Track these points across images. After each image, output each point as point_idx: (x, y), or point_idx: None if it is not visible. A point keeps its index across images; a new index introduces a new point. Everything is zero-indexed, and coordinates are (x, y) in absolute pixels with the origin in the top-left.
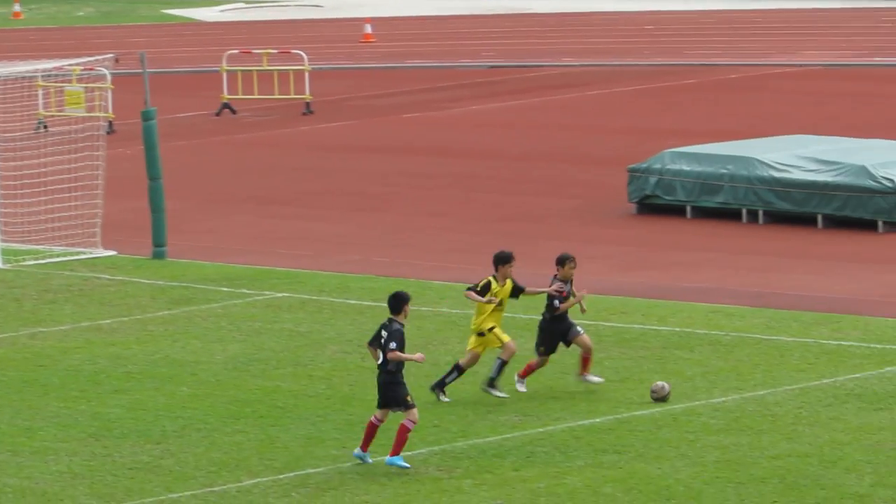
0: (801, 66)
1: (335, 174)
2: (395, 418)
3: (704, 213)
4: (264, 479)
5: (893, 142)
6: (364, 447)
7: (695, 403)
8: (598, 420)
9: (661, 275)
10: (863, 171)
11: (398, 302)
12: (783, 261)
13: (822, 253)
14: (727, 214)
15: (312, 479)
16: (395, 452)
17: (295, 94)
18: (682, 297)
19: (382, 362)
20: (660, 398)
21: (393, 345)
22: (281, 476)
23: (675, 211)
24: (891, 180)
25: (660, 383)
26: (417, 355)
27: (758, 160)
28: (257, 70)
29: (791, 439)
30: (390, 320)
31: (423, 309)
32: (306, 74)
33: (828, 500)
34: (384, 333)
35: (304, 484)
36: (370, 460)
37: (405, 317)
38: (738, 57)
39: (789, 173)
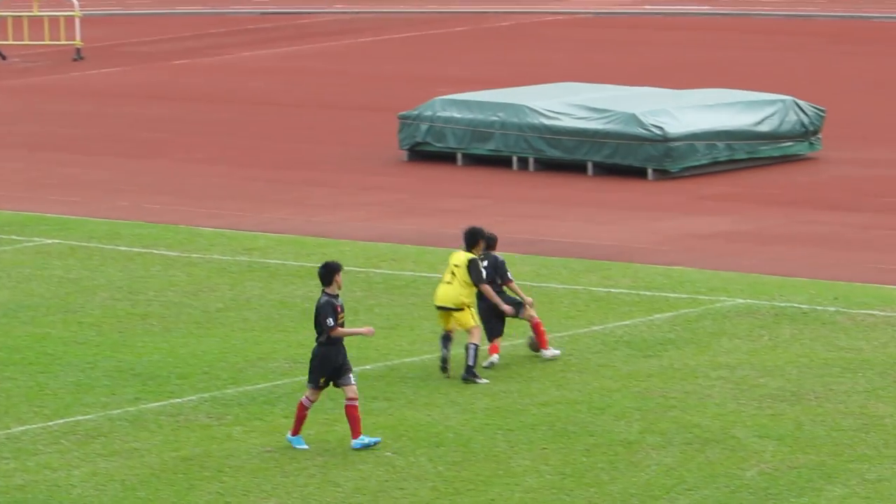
0: (570, 13)
1: (106, 120)
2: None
3: (475, 161)
4: (33, 426)
5: (662, 90)
6: (295, 431)
7: (459, 350)
8: (368, 367)
9: (433, 222)
10: (632, 118)
11: (328, 272)
12: (553, 208)
13: (592, 200)
14: (498, 162)
15: (82, 426)
16: (357, 434)
17: (66, 39)
18: (452, 244)
19: (326, 338)
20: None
21: (329, 321)
22: (50, 423)
23: (446, 158)
24: (660, 128)
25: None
26: (365, 328)
27: (528, 108)
28: (28, 15)
29: (560, 386)
30: (322, 292)
31: (194, 255)
32: (77, 20)
33: (597, 446)
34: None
35: (73, 431)
36: (305, 445)
37: (338, 288)
38: (508, 4)
39: (559, 121)
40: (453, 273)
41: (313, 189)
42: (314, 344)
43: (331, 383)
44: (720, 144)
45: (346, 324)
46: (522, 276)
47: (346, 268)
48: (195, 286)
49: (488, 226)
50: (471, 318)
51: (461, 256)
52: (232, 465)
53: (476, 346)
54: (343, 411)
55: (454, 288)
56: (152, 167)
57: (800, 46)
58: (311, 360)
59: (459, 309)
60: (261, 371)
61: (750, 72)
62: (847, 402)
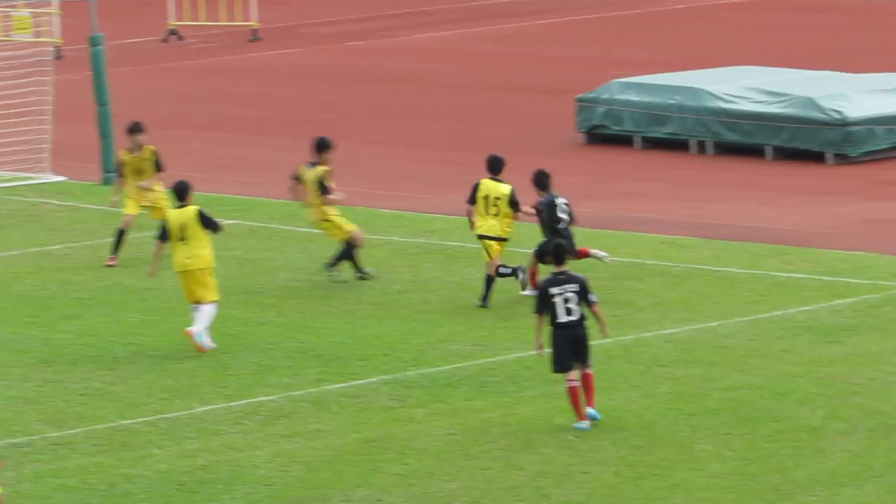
0: None
1: (282, 101)
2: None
3: (653, 144)
4: (216, 406)
5: (840, 73)
6: (582, 416)
7: (646, 335)
8: (550, 351)
9: (610, 205)
10: (810, 102)
11: (561, 252)
12: (732, 192)
13: (770, 184)
14: (676, 145)
15: (264, 407)
16: (592, 402)
17: (242, 20)
18: (631, 228)
19: (579, 317)
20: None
21: (594, 296)
22: (233, 403)
23: (624, 141)
24: (839, 112)
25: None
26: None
27: (706, 91)
28: None
29: (743, 371)
30: (564, 274)
31: (374, 237)
32: (253, 1)
33: (781, 432)
34: (567, 290)
35: (256, 411)
36: (598, 415)
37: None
38: None
39: (737, 104)
40: (496, 205)
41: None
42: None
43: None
44: None
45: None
46: (701, 261)
47: (520, 250)
48: (375, 268)
49: (666, 209)
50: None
51: (503, 188)
52: (415, 448)
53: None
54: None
55: (500, 220)
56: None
57: None
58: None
59: (505, 238)
60: (442, 353)
61: None
62: None
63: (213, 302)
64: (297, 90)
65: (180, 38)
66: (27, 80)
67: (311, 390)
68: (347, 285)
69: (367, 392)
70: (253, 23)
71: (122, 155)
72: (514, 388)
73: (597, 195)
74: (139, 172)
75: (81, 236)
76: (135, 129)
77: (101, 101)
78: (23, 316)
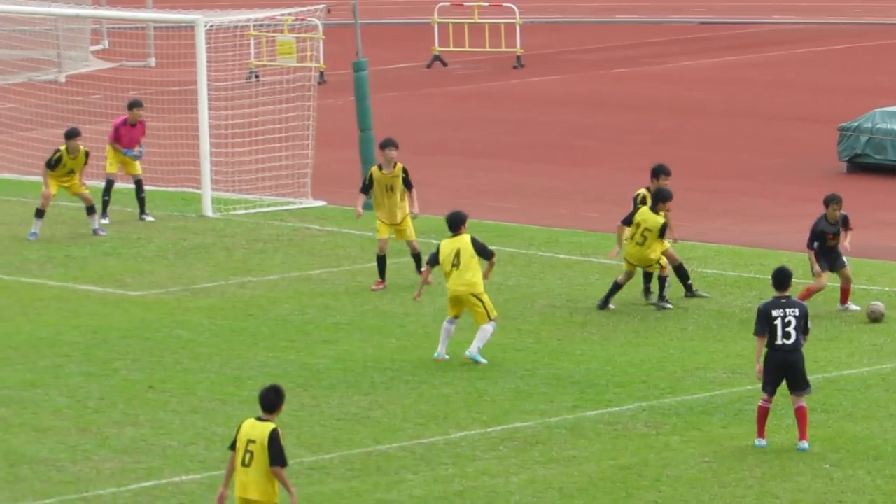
0: None
1: (544, 128)
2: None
3: None
4: (472, 431)
5: None
6: (762, 434)
7: None
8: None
9: (872, 234)
10: None
11: (788, 277)
12: None
13: None
14: None
15: (520, 433)
16: (804, 436)
17: (506, 47)
18: (892, 257)
19: (795, 342)
20: (875, 318)
21: (810, 324)
22: (489, 429)
23: (886, 170)
24: None
25: (876, 304)
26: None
27: None
28: (468, 22)
29: None
30: (786, 299)
31: None
32: (517, 27)
33: None
34: (790, 313)
35: (511, 438)
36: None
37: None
38: None
39: None
40: (644, 236)
41: (751, 199)
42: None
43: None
44: None
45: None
46: None
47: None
48: (634, 295)
49: None
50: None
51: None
52: (670, 475)
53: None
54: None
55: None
56: (591, 175)
57: None
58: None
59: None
60: (699, 381)
61: None
62: None
63: (492, 321)
64: (559, 117)
65: (444, 64)
66: (291, 104)
67: (567, 417)
68: (604, 312)
69: (623, 419)
70: (517, 49)
71: (374, 171)
72: (770, 415)
73: (858, 224)
74: (390, 189)
75: (341, 261)
76: (386, 144)
77: (364, 127)
78: (281, 340)
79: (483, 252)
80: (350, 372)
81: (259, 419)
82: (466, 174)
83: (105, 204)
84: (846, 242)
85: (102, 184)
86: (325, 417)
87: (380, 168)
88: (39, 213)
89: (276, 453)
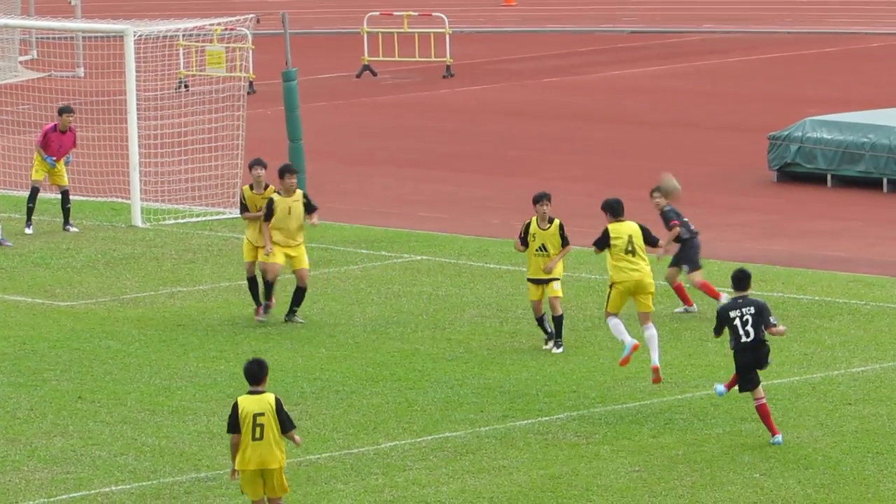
0: None
1: (475, 137)
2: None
3: (845, 182)
4: (402, 441)
5: None
6: (776, 430)
7: (834, 373)
8: (736, 388)
9: (801, 243)
10: None
11: (747, 278)
12: None
13: None
14: (868, 183)
15: (450, 443)
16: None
17: (436, 56)
18: (821, 266)
19: (754, 339)
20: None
21: (773, 319)
22: (419, 439)
23: (816, 179)
24: None
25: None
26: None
27: None
28: (398, 32)
29: None
30: (743, 299)
31: (564, 274)
32: (447, 37)
33: None
34: (747, 312)
35: (441, 447)
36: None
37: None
38: (879, 25)
39: None
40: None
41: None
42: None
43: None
44: None
45: None
46: (892, 300)
47: (719, 289)
48: (563, 304)
49: (859, 248)
50: None
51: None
52: (600, 485)
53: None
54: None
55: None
56: (521, 185)
57: None
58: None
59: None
60: (628, 390)
61: None
62: None
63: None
64: (489, 126)
65: (374, 73)
66: (220, 114)
67: (497, 426)
68: (533, 322)
69: (553, 428)
70: (447, 59)
71: (245, 190)
72: (700, 425)
73: (788, 233)
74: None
75: None
76: (253, 163)
77: (294, 137)
78: (211, 350)
79: (649, 240)
80: (279, 382)
81: (252, 393)
82: (397, 184)
83: (29, 211)
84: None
85: (26, 192)
86: None
87: (251, 188)
88: None
89: (285, 418)
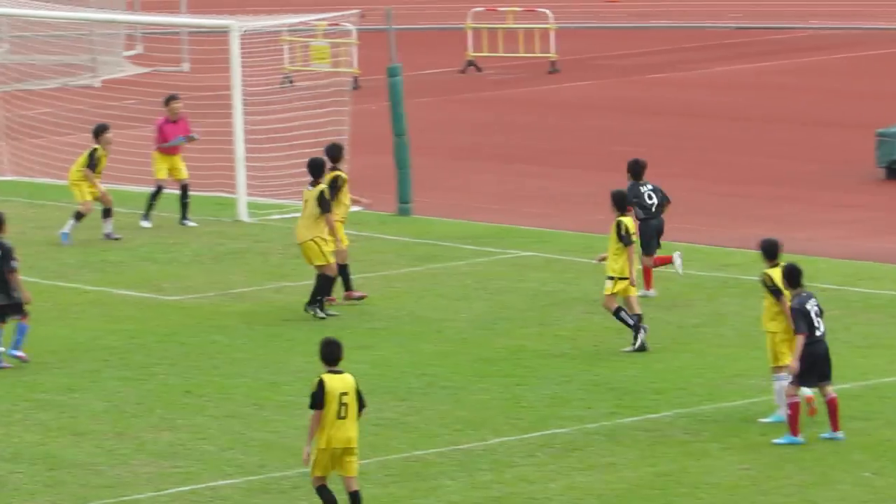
0: None
1: (579, 133)
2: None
3: None
4: (510, 438)
5: None
6: (798, 432)
7: None
8: (846, 386)
9: None
10: None
11: (800, 274)
12: None
13: None
14: None
15: (558, 440)
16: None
17: (540, 52)
18: None
19: (824, 331)
20: None
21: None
22: (526, 435)
23: None
24: None
25: None
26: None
27: None
28: (502, 28)
29: None
30: (806, 292)
31: (669, 271)
32: (552, 33)
33: None
34: (816, 304)
35: (549, 444)
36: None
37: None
38: None
39: None
40: None
41: (788, 205)
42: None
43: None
44: None
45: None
46: None
47: (821, 285)
48: (671, 301)
49: None
50: None
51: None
52: (709, 482)
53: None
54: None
55: None
56: (624, 181)
57: None
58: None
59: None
60: (737, 388)
61: None
62: None
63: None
64: (594, 122)
65: (478, 69)
66: (325, 110)
67: (604, 423)
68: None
69: (661, 426)
70: (551, 55)
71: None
72: (809, 422)
73: (894, 231)
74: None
75: (376, 266)
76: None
77: (398, 132)
78: (317, 345)
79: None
80: (387, 377)
81: (332, 372)
82: (502, 179)
83: (150, 207)
84: None
85: (133, 187)
86: (361, 423)
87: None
88: (78, 216)
89: (362, 398)
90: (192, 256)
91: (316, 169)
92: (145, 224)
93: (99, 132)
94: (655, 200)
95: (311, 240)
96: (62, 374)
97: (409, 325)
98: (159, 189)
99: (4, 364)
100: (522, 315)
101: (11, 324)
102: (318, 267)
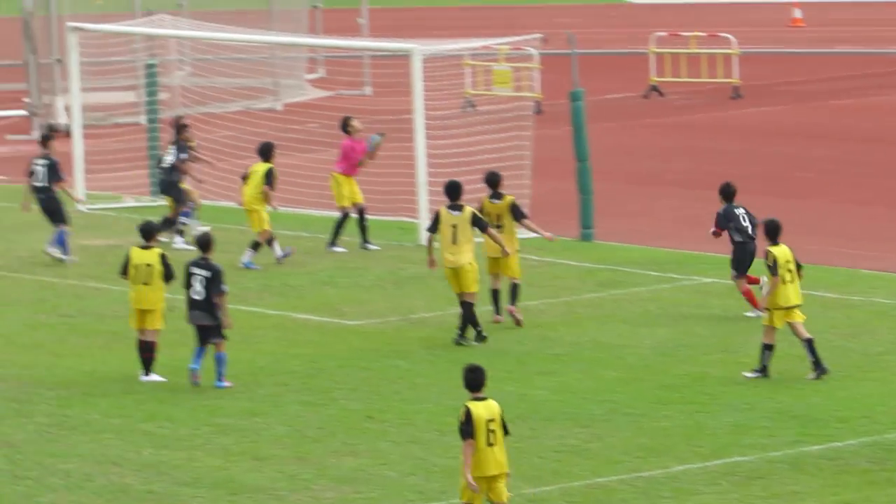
0: None
1: (761, 159)
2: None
3: None
4: (692, 465)
5: None
6: None
7: None
8: None
9: None
10: None
11: None
12: None
13: None
14: None
15: (741, 468)
16: None
17: (723, 77)
18: None
19: None
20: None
21: None
22: (708, 463)
23: None
24: None
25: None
26: None
27: None
28: (685, 53)
29: None
30: None
31: (854, 298)
32: (735, 58)
33: None
34: None
35: (732, 472)
36: None
37: None
38: None
39: None
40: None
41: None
42: None
43: None
44: None
45: None
46: None
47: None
48: (854, 329)
49: None
50: None
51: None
52: None
53: None
54: None
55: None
56: (809, 207)
57: None
58: None
59: None
60: None
61: None
62: None
63: None
64: (777, 148)
65: (661, 94)
66: (507, 134)
67: (787, 451)
68: (825, 346)
69: (846, 454)
70: (734, 80)
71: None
72: None
73: None
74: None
75: (559, 292)
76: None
77: (581, 157)
78: (499, 371)
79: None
80: (568, 404)
81: (476, 399)
82: (684, 205)
83: (337, 234)
84: None
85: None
86: (543, 449)
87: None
88: (256, 246)
89: (505, 426)
90: (373, 281)
91: (455, 191)
92: (338, 249)
93: (271, 151)
94: (749, 224)
95: (470, 263)
96: (244, 398)
97: (591, 351)
98: (345, 216)
99: (197, 381)
100: (705, 342)
101: (211, 350)
102: (468, 294)
